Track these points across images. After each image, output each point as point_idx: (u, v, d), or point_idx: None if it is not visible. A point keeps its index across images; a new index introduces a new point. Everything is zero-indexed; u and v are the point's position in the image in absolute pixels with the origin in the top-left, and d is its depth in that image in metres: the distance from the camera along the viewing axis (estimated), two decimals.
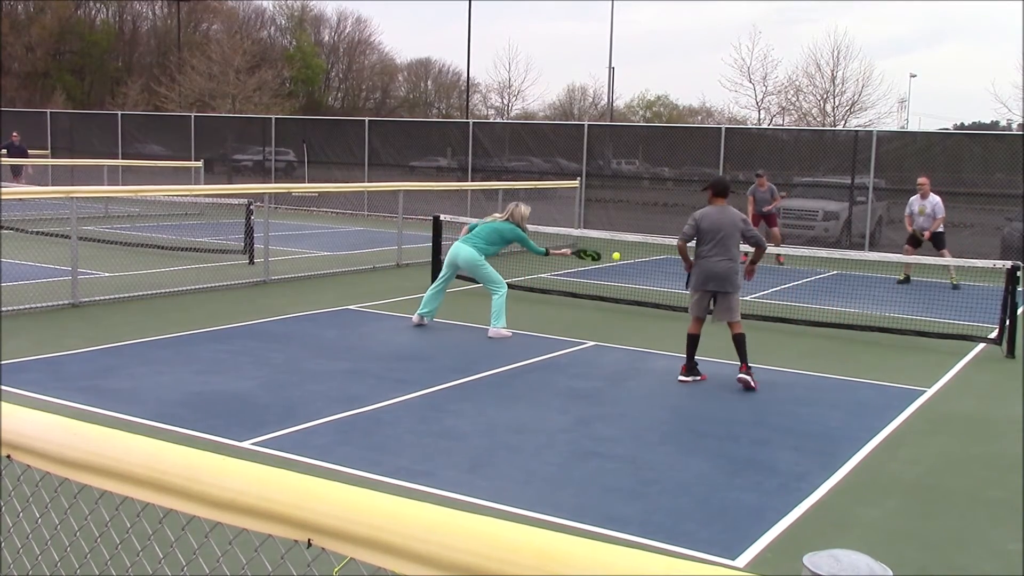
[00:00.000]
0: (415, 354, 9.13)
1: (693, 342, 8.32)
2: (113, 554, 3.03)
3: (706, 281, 8.23)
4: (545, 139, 25.54)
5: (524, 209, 10.53)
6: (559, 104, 64.50)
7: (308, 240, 18.99)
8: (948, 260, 13.18)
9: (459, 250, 10.28)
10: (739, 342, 8.15)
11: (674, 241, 8.66)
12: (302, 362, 8.55)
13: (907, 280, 15.30)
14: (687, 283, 8.57)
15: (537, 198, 23.58)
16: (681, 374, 8.34)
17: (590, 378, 8.37)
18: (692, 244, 8.42)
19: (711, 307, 8.38)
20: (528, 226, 10.65)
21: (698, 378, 8.34)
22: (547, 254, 10.79)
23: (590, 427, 6.86)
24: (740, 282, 8.27)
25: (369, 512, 1.52)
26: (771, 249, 15.79)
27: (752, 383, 8.04)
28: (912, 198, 15.07)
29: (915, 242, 14.77)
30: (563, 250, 11.24)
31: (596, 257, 11.25)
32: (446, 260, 10.46)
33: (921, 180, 14.92)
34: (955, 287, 14.75)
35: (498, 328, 10.02)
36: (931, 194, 14.80)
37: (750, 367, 8.15)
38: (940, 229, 14.80)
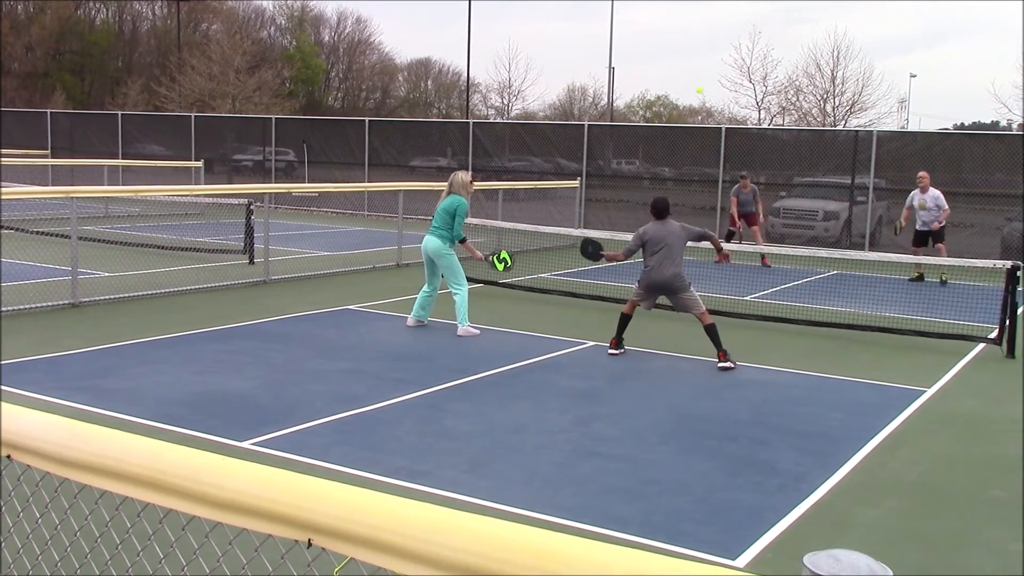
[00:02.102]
0: (415, 354, 9.13)
1: (625, 320, 9.27)
2: (113, 554, 3.03)
3: (651, 288, 9.12)
4: (545, 139, 25.54)
5: (463, 176, 10.41)
6: (559, 104, 64.54)
7: (308, 240, 18.99)
8: (941, 260, 13.23)
9: (426, 242, 10.29)
10: (710, 332, 8.87)
11: None
12: (302, 362, 8.55)
13: (920, 279, 15.40)
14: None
15: (537, 198, 23.65)
16: (610, 347, 9.25)
17: (590, 378, 8.38)
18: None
19: (653, 304, 9.38)
20: (529, 225, 10.62)
21: (621, 351, 9.24)
22: (463, 241, 10.34)
23: (590, 427, 6.86)
24: (687, 282, 9.04)
25: (369, 512, 1.52)
26: (755, 249, 15.84)
27: (732, 365, 8.73)
28: (913, 192, 15.24)
29: (921, 241, 15.08)
30: (477, 253, 10.78)
31: (508, 265, 11.28)
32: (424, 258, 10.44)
33: (921, 174, 15.23)
34: (943, 283, 14.89)
35: (466, 327, 10.03)
36: (931, 188, 15.02)
37: (726, 352, 8.78)
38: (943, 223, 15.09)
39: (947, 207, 14.98)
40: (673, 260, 8.97)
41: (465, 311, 10.08)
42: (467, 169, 24.91)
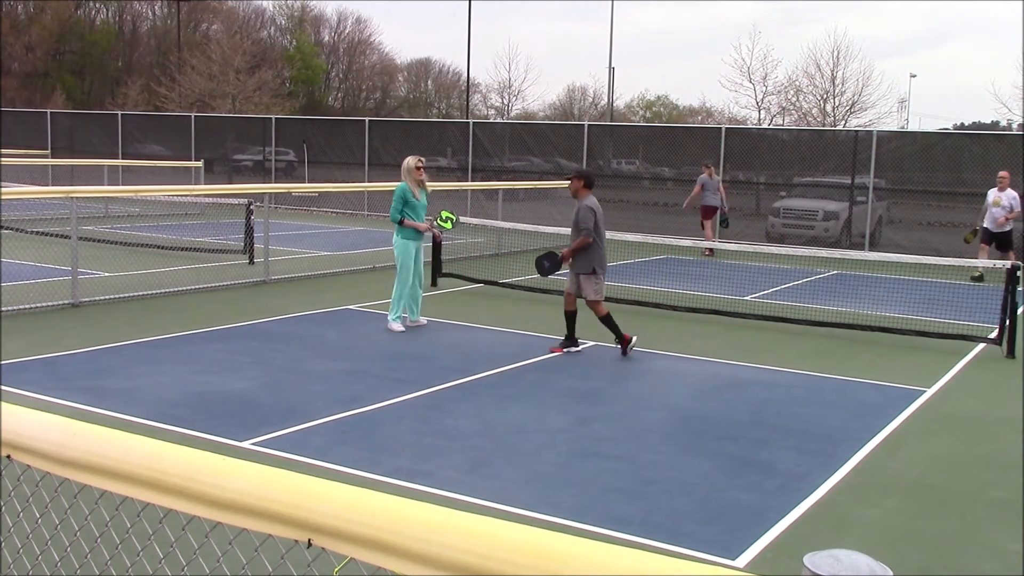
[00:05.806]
0: (415, 354, 9.13)
1: (611, 319, 9.18)
2: (113, 554, 3.03)
3: (604, 265, 9.18)
4: (545, 139, 25.54)
5: (409, 161, 10.19)
6: (559, 104, 64.51)
7: (308, 240, 18.99)
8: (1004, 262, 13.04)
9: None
10: (605, 321, 9.08)
11: (673, 241, 9.19)
12: (302, 362, 8.55)
13: (980, 279, 15.40)
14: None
15: (537, 198, 23.64)
16: (561, 348, 9.30)
17: (590, 378, 8.37)
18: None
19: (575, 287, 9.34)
20: (529, 225, 10.60)
21: (575, 349, 9.33)
22: (400, 224, 10.10)
23: (590, 427, 6.86)
24: (584, 262, 9.05)
25: (369, 512, 1.52)
26: (702, 244, 15.81)
27: (629, 348, 9.05)
28: (991, 190, 15.76)
29: (989, 239, 15.52)
30: (421, 224, 10.30)
31: (455, 221, 11.37)
32: None
33: (1002, 174, 15.78)
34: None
35: (391, 322, 10.07)
36: (1009, 188, 15.54)
37: (626, 341, 9.09)
38: (1008, 228, 15.49)
39: (1020, 208, 15.39)
40: (572, 238, 9.11)
41: (397, 306, 10.09)
42: (467, 169, 24.94)
